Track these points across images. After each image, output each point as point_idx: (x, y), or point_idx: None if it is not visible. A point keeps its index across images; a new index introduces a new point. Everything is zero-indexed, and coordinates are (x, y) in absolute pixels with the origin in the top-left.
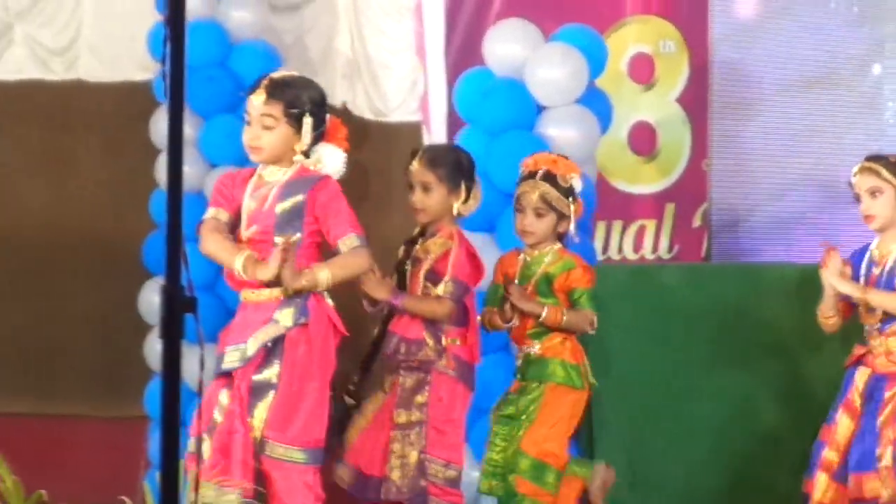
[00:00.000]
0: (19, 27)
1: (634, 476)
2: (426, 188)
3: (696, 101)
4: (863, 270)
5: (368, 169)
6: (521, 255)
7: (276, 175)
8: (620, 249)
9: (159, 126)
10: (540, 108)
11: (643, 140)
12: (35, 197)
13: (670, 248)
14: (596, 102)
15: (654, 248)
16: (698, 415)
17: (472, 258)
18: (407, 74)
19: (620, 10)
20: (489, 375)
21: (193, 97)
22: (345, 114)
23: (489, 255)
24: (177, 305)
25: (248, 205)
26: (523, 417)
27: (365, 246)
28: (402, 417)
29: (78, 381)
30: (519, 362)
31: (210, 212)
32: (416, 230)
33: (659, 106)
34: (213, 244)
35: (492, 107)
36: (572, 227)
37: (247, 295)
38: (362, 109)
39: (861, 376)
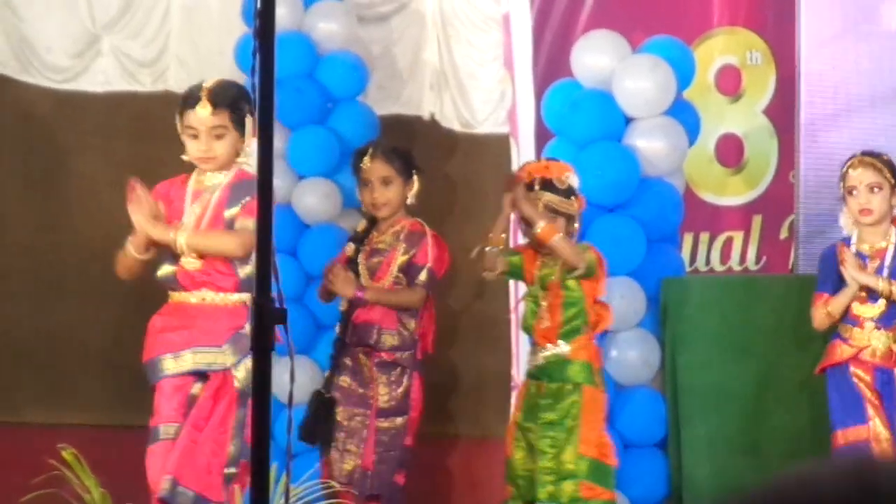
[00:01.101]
0: (107, 39)
1: (718, 486)
2: (386, 182)
3: (783, 112)
4: None
5: (456, 181)
6: (539, 258)
7: (217, 178)
8: (708, 261)
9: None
10: (628, 120)
11: (730, 152)
12: (122, 209)
13: (757, 260)
14: (684, 114)
15: (742, 260)
16: (783, 427)
17: (443, 248)
18: (495, 86)
19: (708, 22)
20: None
21: (281, 109)
22: (433, 125)
23: None
24: (267, 317)
25: (192, 211)
26: (567, 420)
27: None
28: (384, 403)
29: None
30: (539, 362)
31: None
32: (362, 225)
33: (746, 118)
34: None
35: (580, 118)
36: (577, 222)
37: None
38: (450, 121)
39: (865, 372)
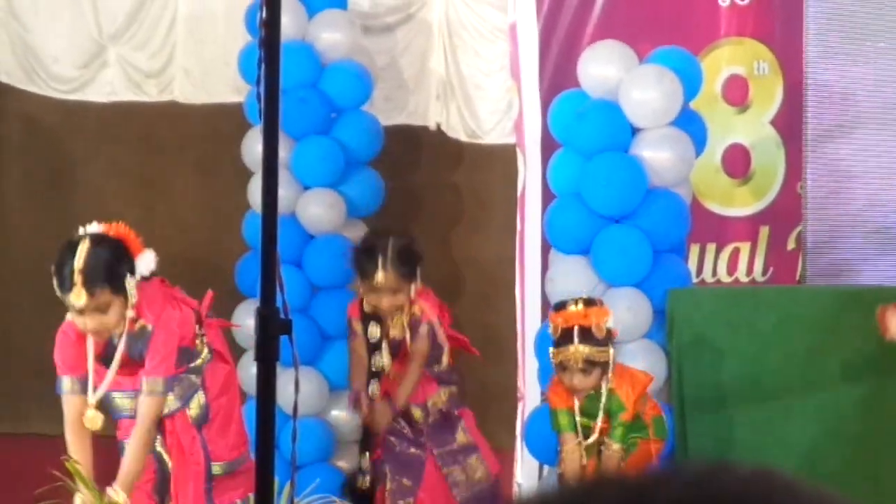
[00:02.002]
0: (113, 50)
1: None
2: (396, 291)
3: (790, 123)
4: None
5: (462, 191)
6: (575, 396)
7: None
8: (715, 272)
9: (251, 148)
10: (634, 130)
11: (737, 162)
12: (128, 218)
13: (765, 271)
14: (691, 124)
15: (749, 271)
16: (791, 438)
17: (436, 303)
18: (501, 96)
19: (715, 32)
20: None
21: (285, 119)
22: (439, 135)
23: (583, 277)
24: (272, 328)
25: (96, 368)
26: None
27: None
28: (447, 451)
29: None
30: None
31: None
32: (376, 330)
33: (753, 128)
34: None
35: (586, 129)
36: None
37: None
38: (456, 131)
39: None
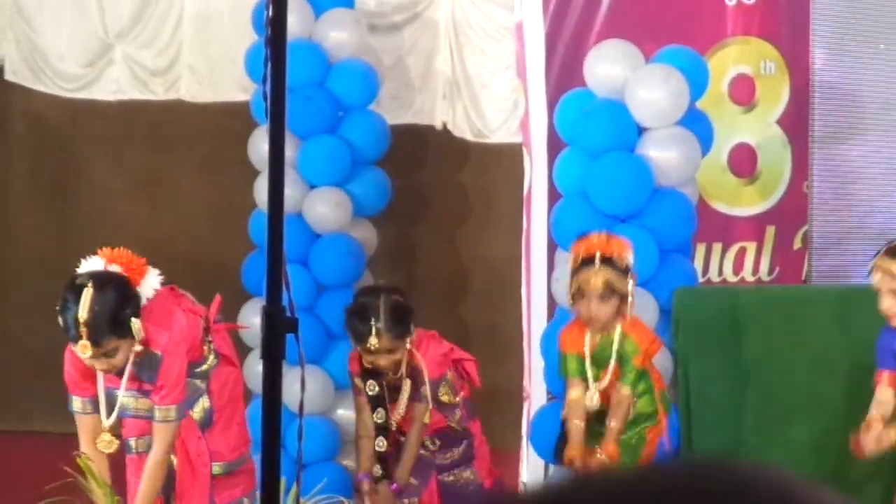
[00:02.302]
0: (119, 48)
1: None
2: (392, 351)
3: (796, 122)
4: None
5: (468, 190)
6: (588, 335)
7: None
8: (721, 271)
9: (258, 146)
10: (641, 130)
11: (743, 162)
12: (134, 216)
13: (770, 271)
14: (697, 124)
15: (755, 271)
16: (796, 437)
17: (440, 353)
18: (507, 95)
19: (721, 32)
20: None
21: (292, 118)
22: (445, 134)
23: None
24: (278, 326)
25: (106, 390)
26: (636, 442)
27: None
28: (447, 460)
29: None
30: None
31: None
32: (375, 389)
33: (759, 128)
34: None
35: (592, 128)
36: (630, 306)
37: None
38: (462, 130)
39: None
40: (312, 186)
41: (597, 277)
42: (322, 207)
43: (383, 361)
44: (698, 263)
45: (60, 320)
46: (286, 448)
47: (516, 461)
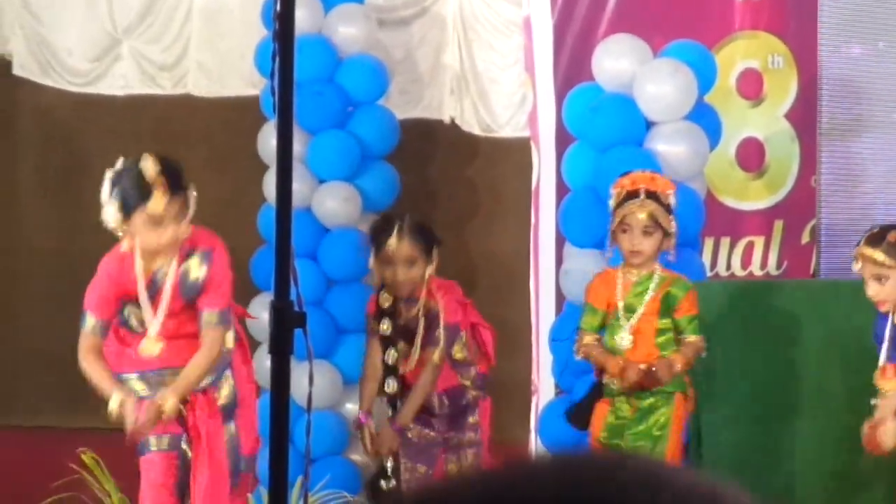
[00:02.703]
0: (127, 43)
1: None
2: (411, 262)
3: (804, 117)
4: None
5: (477, 185)
6: (621, 275)
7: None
8: (729, 266)
9: (267, 141)
10: (649, 124)
11: (751, 156)
12: None
13: (779, 265)
14: (705, 118)
15: (763, 265)
16: (804, 431)
17: (457, 300)
18: (515, 90)
19: (729, 26)
20: None
21: (301, 113)
22: (453, 129)
23: (598, 270)
24: (287, 321)
25: (146, 299)
26: (662, 432)
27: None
28: (454, 440)
29: None
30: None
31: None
32: (388, 300)
33: (767, 122)
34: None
35: (601, 122)
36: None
37: None
38: (471, 125)
39: None
40: (321, 181)
41: (641, 209)
42: (331, 202)
43: (401, 273)
44: (706, 258)
45: (117, 205)
46: (294, 442)
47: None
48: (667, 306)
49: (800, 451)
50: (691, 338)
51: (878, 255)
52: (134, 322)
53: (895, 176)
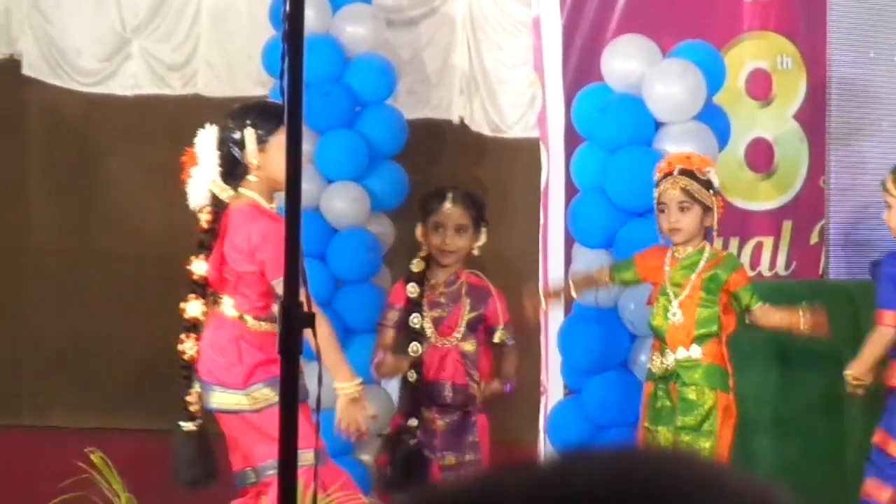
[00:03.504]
0: (136, 42)
1: None
2: (461, 230)
3: (813, 117)
4: None
5: (486, 185)
6: (670, 253)
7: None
8: None
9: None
10: (658, 124)
11: (760, 157)
12: (152, 212)
13: (787, 266)
14: (714, 119)
15: (772, 265)
16: (812, 431)
17: (504, 300)
18: (524, 90)
19: (738, 26)
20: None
21: (309, 113)
22: (462, 129)
23: None
24: (295, 321)
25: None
26: (706, 426)
27: None
28: (450, 460)
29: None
30: (669, 365)
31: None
32: (420, 265)
33: (776, 122)
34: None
35: (609, 123)
36: (716, 221)
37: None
38: (480, 125)
39: None
40: (330, 181)
41: (674, 186)
42: (340, 202)
43: (450, 240)
44: None
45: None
46: None
47: (532, 455)
48: (712, 285)
49: (809, 451)
50: (756, 306)
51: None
52: None
53: None
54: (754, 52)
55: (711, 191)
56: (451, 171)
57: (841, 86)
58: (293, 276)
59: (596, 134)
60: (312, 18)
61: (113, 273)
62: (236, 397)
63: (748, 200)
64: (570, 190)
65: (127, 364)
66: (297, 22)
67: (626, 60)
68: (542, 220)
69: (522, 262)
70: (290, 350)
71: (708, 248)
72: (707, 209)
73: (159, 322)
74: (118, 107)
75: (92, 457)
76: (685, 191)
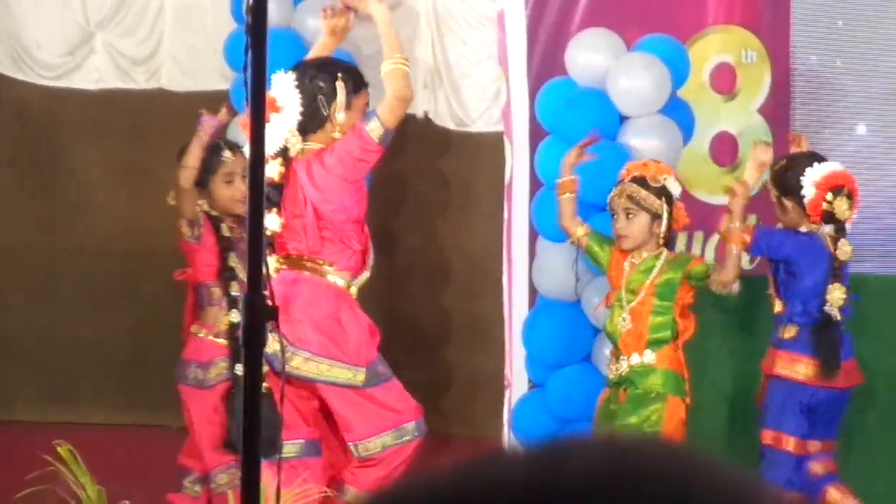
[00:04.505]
0: (100, 36)
1: None
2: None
3: (777, 111)
4: None
5: (450, 179)
6: (629, 259)
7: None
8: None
9: (239, 135)
10: (622, 118)
11: (725, 151)
12: (116, 206)
13: (752, 260)
14: (678, 113)
15: None
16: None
17: None
18: (489, 84)
19: (702, 20)
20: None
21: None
22: (426, 123)
23: (571, 266)
24: (259, 314)
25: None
26: (646, 427)
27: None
28: None
29: (163, 390)
30: (621, 370)
31: None
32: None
33: (741, 116)
34: None
35: (574, 117)
36: (664, 227)
37: None
38: (444, 119)
39: None
40: None
41: (621, 193)
42: None
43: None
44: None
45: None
46: None
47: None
48: (666, 290)
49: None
50: (715, 267)
51: None
52: None
53: (868, 170)
54: (719, 45)
55: (664, 198)
56: (416, 166)
57: (805, 79)
58: (257, 269)
59: (560, 127)
60: (273, 11)
61: (78, 267)
62: (351, 372)
63: (712, 194)
64: (535, 184)
65: (92, 358)
66: (259, 15)
67: (591, 54)
68: (506, 215)
69: (486, 256)
70: (254, 342)
71: (665, 253)
72: (656, 216)
73: (125, 316)
74: (82, 101)
75: (59, 450)
76: (631, 198)
